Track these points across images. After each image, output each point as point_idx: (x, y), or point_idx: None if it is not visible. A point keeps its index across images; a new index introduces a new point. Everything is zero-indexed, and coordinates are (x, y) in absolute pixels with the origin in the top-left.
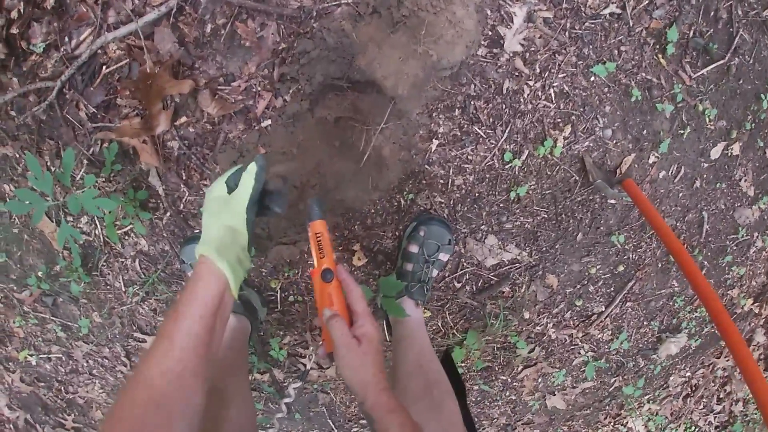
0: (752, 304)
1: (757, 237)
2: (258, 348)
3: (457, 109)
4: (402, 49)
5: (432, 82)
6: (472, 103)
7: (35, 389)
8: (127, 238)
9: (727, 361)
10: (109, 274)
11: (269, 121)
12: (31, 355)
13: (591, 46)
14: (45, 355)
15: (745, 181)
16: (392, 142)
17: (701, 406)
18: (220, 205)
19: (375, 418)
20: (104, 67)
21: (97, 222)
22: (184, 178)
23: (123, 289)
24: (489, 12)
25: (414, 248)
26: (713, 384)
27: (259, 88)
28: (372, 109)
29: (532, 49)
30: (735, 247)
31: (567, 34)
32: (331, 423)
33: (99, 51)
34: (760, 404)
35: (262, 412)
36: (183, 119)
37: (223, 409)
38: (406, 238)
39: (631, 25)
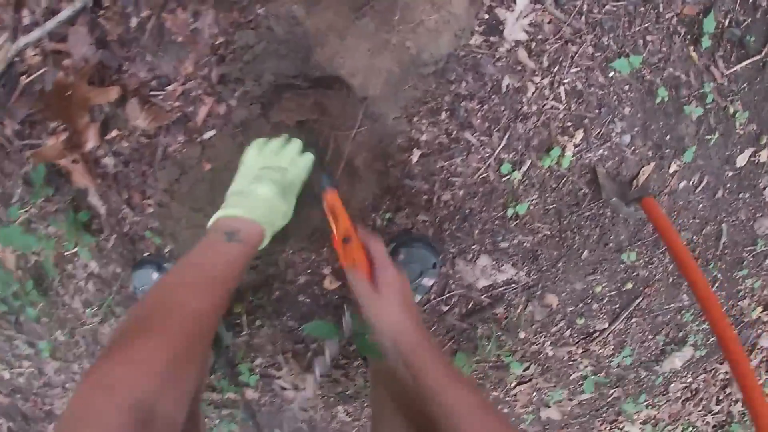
0: (761, 312)
1: None
2: (227, 372)
3: (444, 112)
4: (371, 39)
5: (411, 81)
6: (462, 104)
7: (13, 400)
8: (76, 259)
9: None
10: (65, 294)
11: (213, 132)
12: (3, 370)
13: (611, 35)
14: (17, 370)
15: None
16: (365, 150)
17: (700, 408)
18: (289, 184)
19: (402, 354)
20: (23, 76)
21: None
22: (125, 197)
23: (81, 310)
24: None
25: None
26: (714, 387)
27: (199, 92)
28: (341, 110)
29: (540, 37)
30: (751, 259)
31: (583, 18)
32: None
33: (16, 59)
34: None
35: None
36: (114, 133)
37: None
38: None
39: (660, 9)
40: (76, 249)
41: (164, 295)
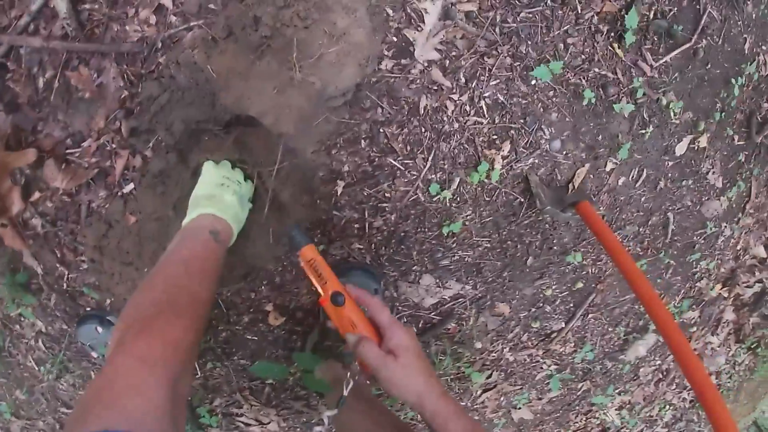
0: (721, 288)
1: (726, 226)
2: (188, 414)
3: (362, 141)
4: (274, 78)
5: (323, 114)
6: (381, 130)
7: None
8: (23, 319)
9: (697, 342)
10: (18, 354)
11: (132, 185)
12: None
13: (529, 42)
14: None
15: (713, 173)
16: (290, 185)
17: (674, 387)
18: (243, 196)
19: (437, 428)
20: None
21: None
22: (59, 256)
23: (36, 368)
24: (391, 12)
25: None
26: None
27: (113, 146)
28: (262, 147)
29: (453, 54)
30: (703, 242)
31: (497, 30)
32: None
33: None
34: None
35: None
36: (37, 194)
37: None
38: None
39: (579, 11)
40: (19, 311)
41: (180, 281)
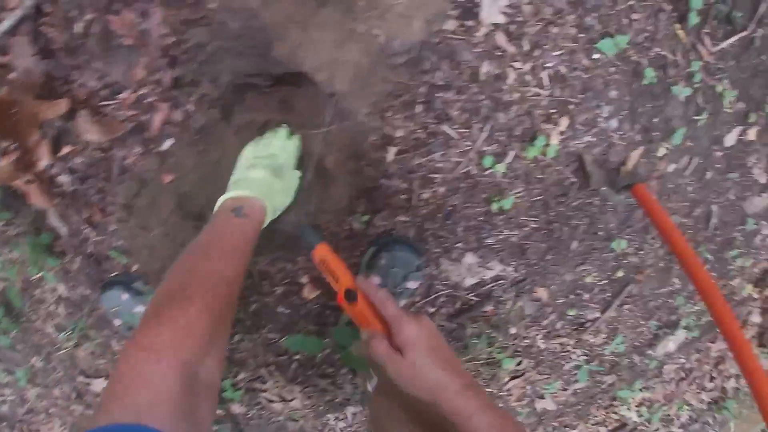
0: (752, 289)
1: (765, 224)
2: None
3: (418, 105)
4: (335, 29)
5: (381, 73)
6: (439, 95)
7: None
8: (44, 283)
9: (722, 342)
10: (37, 320)
11: (171, 140)
12: None
13: (595, 14)
14: (0, 398)
15: (759, 168)
16: (337, 150)
17: (694, 387)
18: (279, 167)
19: (459, 427)
20: None
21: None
22: (85, 216)
23: (55, 335)
24: None
25: (375, 279)
26: (707, 365)
27: (153, 98)
28: (309, 108)
29: (519, 19)
30: (742, 239)
31: None
32: None
33: None
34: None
35: None
36: (67, 148)
37: None
38: (365, 267)
39: None
40: (41, 274)
41: (196, 264)
